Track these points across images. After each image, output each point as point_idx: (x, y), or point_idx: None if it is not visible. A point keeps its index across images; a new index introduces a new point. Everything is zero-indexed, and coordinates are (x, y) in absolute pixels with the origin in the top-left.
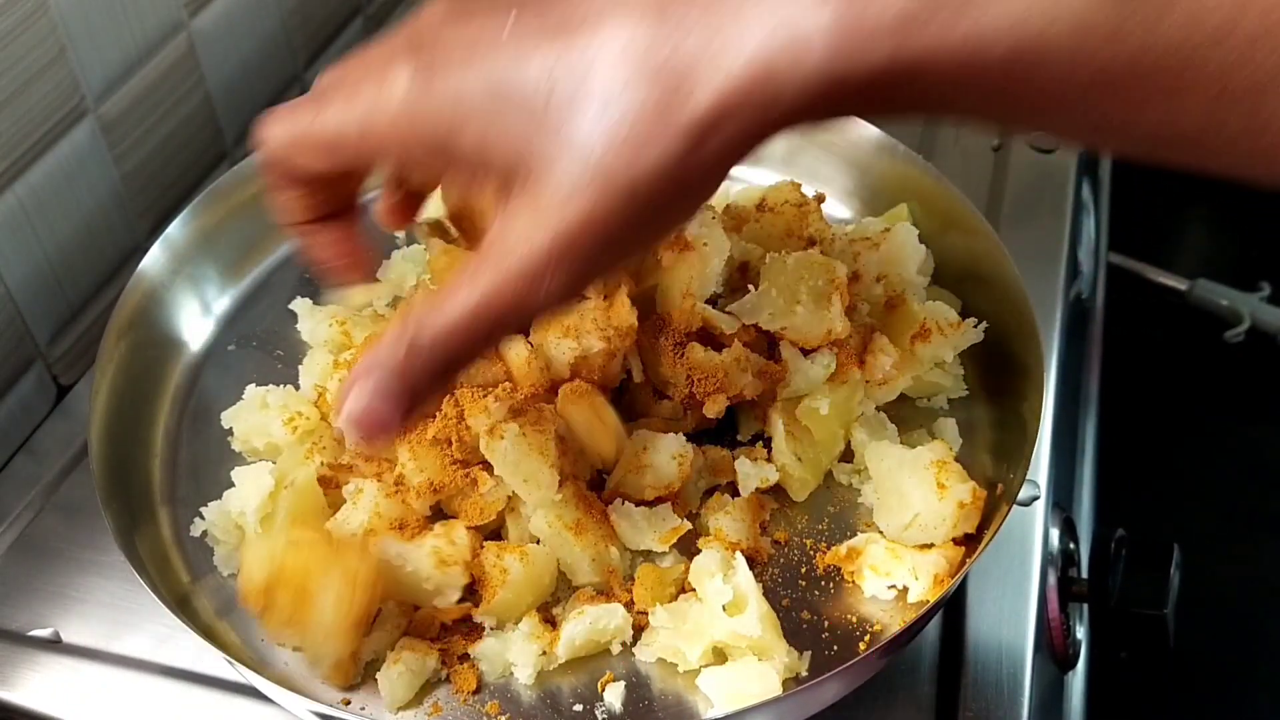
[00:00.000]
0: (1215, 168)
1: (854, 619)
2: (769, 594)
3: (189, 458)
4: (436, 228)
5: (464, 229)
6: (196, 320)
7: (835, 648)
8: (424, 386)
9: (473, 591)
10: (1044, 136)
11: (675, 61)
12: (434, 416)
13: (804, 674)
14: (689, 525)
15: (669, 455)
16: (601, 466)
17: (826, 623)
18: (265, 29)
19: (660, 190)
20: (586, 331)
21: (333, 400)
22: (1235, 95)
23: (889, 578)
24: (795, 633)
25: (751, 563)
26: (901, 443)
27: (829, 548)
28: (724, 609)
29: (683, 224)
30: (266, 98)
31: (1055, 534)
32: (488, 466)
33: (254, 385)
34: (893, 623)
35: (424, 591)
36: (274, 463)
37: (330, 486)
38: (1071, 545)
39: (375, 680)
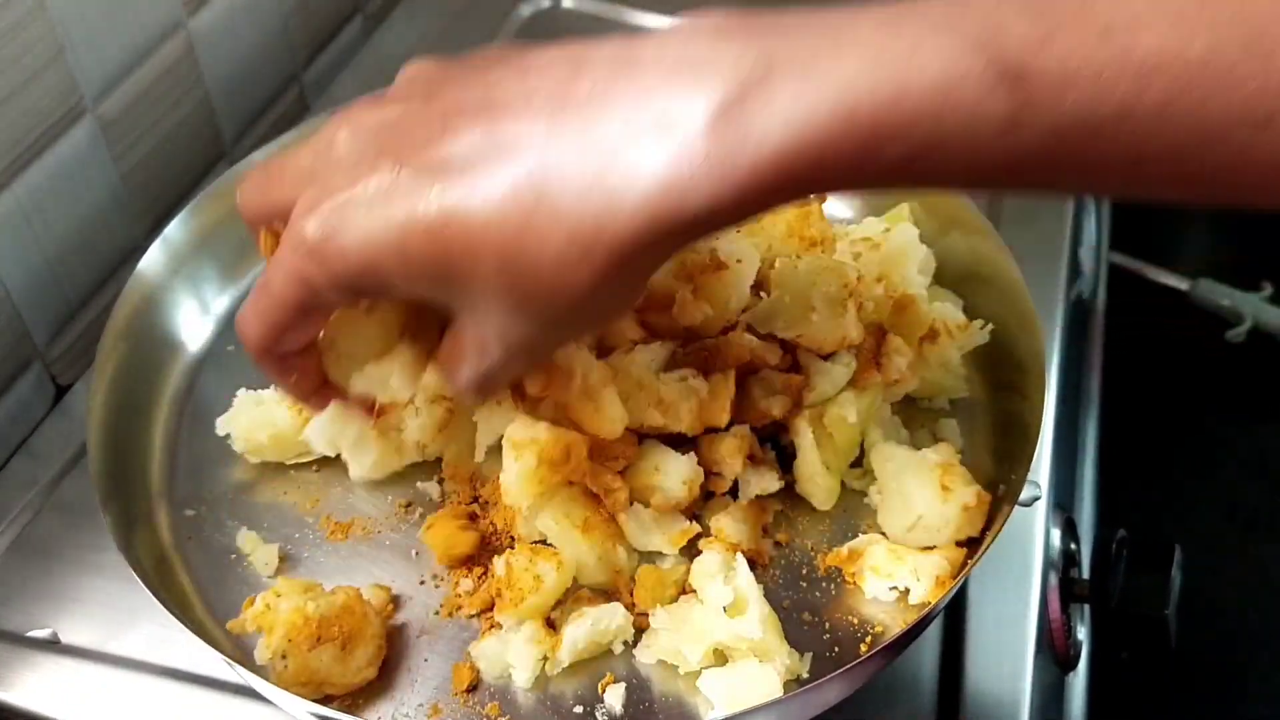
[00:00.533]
0: (1157, 203)
1: (855, 620)
2: (770, 595)
3: (188, 458)
4: None
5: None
6: (195, 320)
7: (836, 649)
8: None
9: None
10: None
11: (558, 228)
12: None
13: (805, 676)
14: (698, 528)
15: (679, 479)
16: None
17: (827, 624)
18: (265, 29)
19: (577, 319)
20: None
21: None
22: (1153, 159)
23: (890, 579)
24: (796, 634)
25: (752, 564)
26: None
27: (830, 549)
28: (725, 610)
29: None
30: (266, 97)
31: (1056, 535)
32: None
33: (244, 390)
34: (894, 624)
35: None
36: None
37: None
38: (1073, 546)
39: (374, 683)
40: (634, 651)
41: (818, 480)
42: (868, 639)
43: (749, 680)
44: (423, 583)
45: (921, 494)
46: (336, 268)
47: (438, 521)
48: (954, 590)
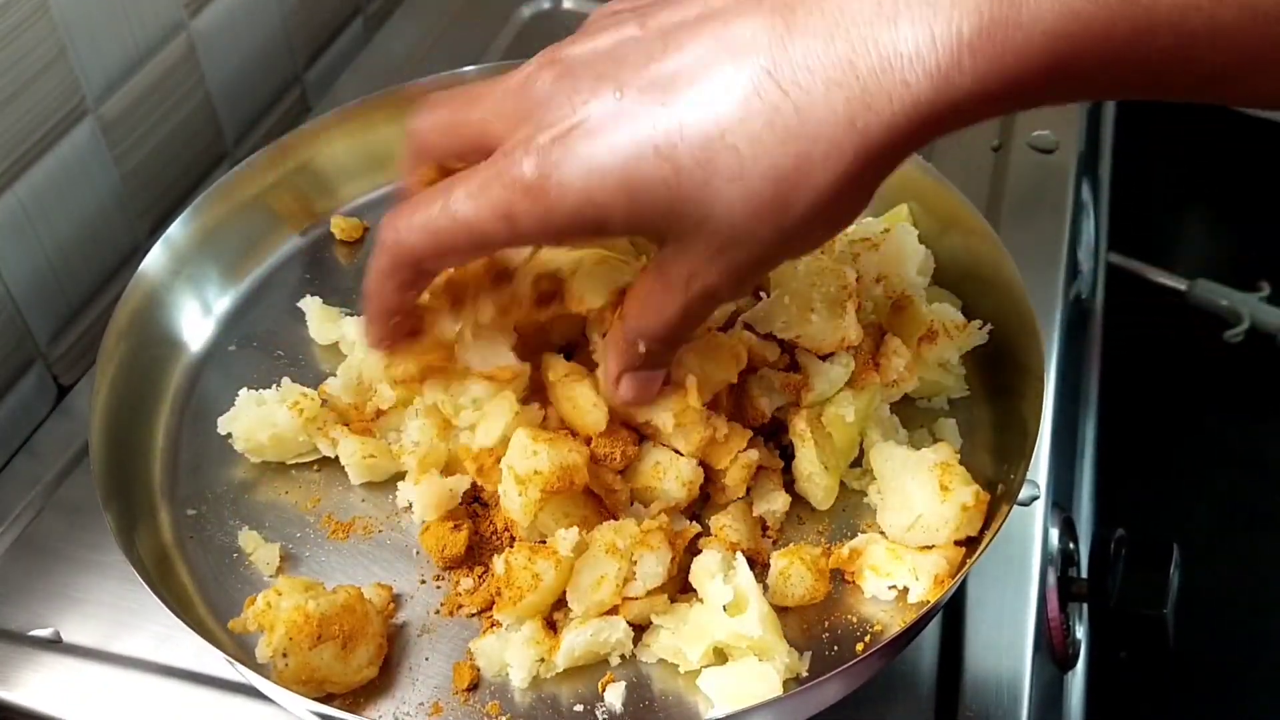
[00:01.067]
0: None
1: (854, 619)
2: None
3: (189, 458)
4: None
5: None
6: (197, 320)
7: (835, 648)
8: (661, 363)
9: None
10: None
11: (814, 123)
12: None
13: (804, 674)
14: (699, 528)
15: (680, 482)
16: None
17: (827, 623)
18: (265, 29)
19: (807, 228)
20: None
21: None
22: None
23: (889, 578)
24: (796, 633)
25: (752, 563)
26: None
27: (831, 548)
28: (725, 609)
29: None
30: (267, 98)
31: (1055, 534)
32: None
33: (246, 389)
34: (893, 623)
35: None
36: None
37: None
38: (1071, 545)
39: (375, 681)
40: (634, 650)
41: (816, 480)
42: (867, 638)
43: (749, 679)
44: (424, 582)
45: (920, 493)
46: (554, 206)
47: (432, 523)
48: (953, 589)
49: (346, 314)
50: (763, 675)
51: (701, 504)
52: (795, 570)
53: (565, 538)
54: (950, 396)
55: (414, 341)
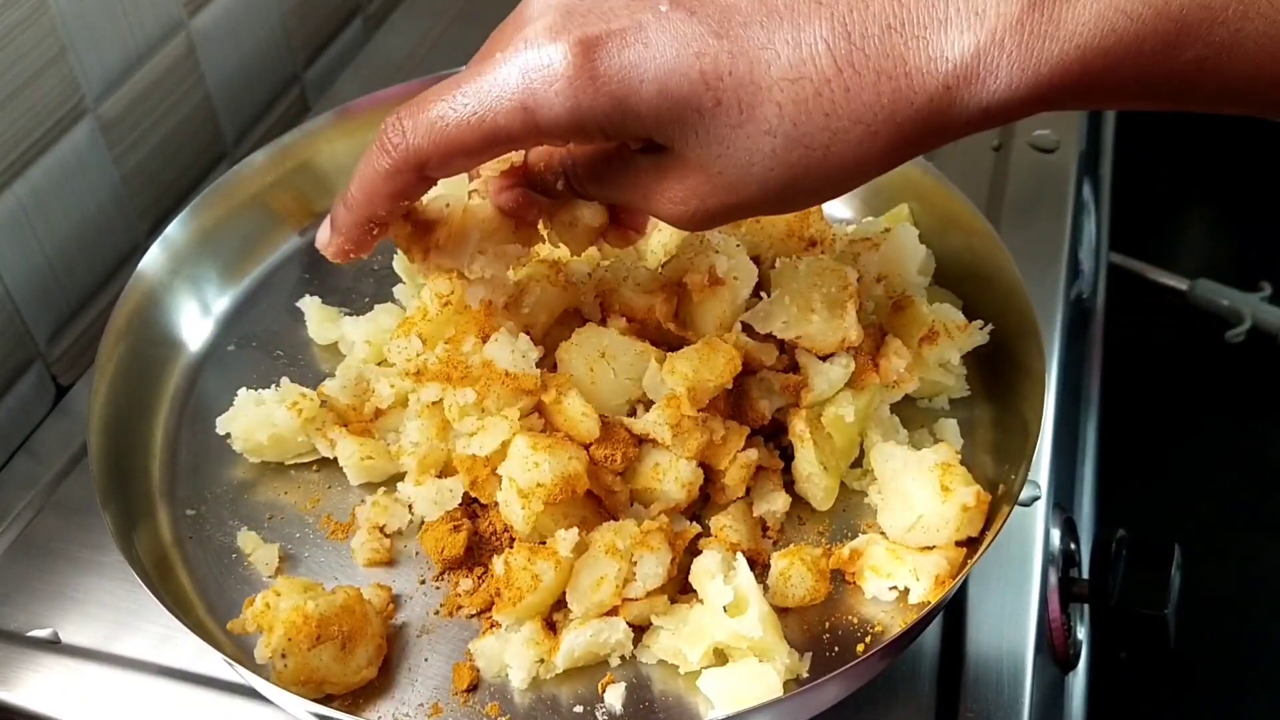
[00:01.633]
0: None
1: (855, 620)
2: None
3: (188, 458)
4: None
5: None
6: (196, 320)
7: (836, 649)
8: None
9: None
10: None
11: (849, 106)
12: None
13: (805, 675)
14: (699, 528)
15: (679, 483)
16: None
17: (827, 624)
18: (265, 29)
19: (809, 196)
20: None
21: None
22: None
23: (890, 579)
24: (796, 633)
25: (752, 564)
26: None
27: (831, 549)
28: (725, 610)
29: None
30: (267, 98)
31: (1056, 534)
32: None
33: (245, 389)
34: (894, 624)
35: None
36: None
37: None
38: (1072, 545)
39: (374, 682)
40: (634, 651)
41: (816, 480)
42: (867, 638)
43: (749, 680)
44: (423, 583)
45: (921, 494)
46: (581, 100)
47: (431, 524)
48: (954, 590)
49: (346, 314)
50: (763, 676)
51: (701, 504)
52: (796, 571)
53: (565, 538)
54: (951, 396)
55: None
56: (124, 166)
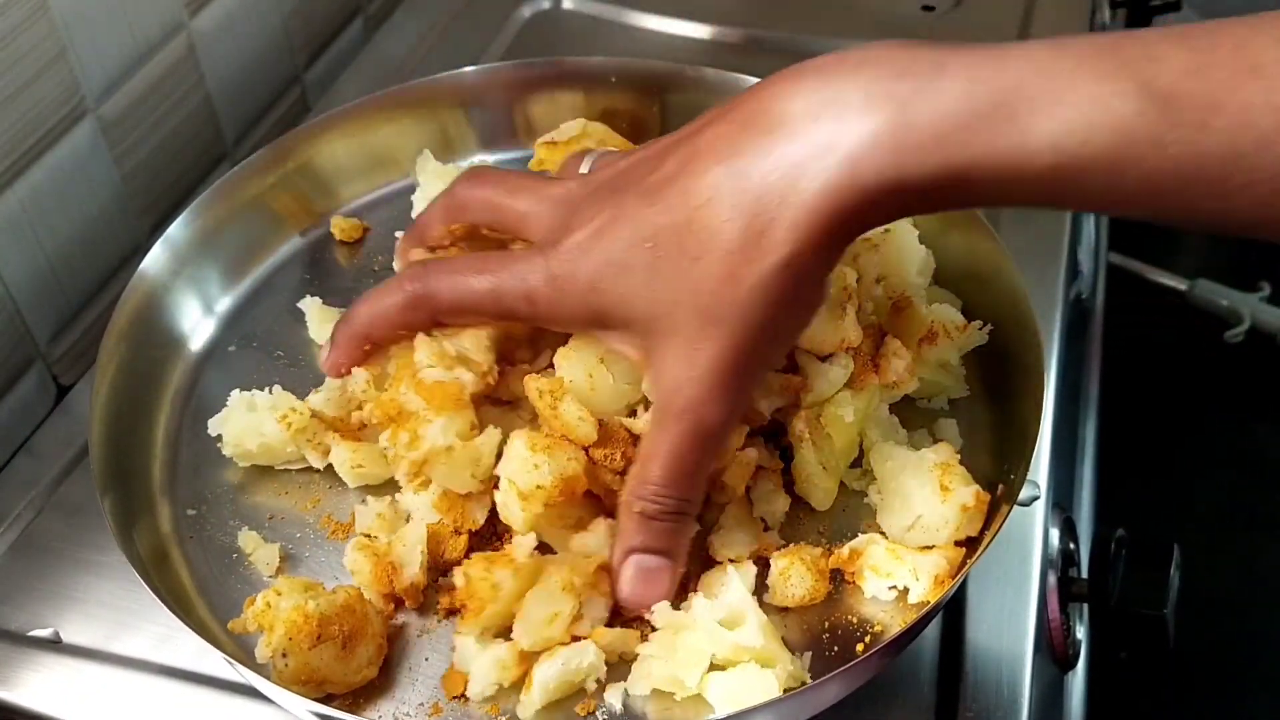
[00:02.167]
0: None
1: (854, 620)
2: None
3: (189, 458)
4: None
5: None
6: (197, 320)
7: (835, 649)
8: (690, 506)
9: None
10: None
11: (758, 203)
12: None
13: (806, 680)
14: (698, 526)
15: None
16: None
17: (826, 624)
18: (265, 29)
19: (770, 309)
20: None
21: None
22: None
23: (889, 579)
24: (795, 633)
25: (756, 561)
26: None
27: (831, 549)
28: (720, 624)
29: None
30: (267, 98)
31: (1055, 534)
32: None
33: (238, 390)
34: (893, 624)
35: None
36: None
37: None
38: (1071, 545)
39: (375, 682)
40: (625, 686)
41: (815, 481)
42: (867, 638)
43: (749, 681)
44: None
45: (921, 494)
46: (567, 293)
47: (431, 528)
48: (953, 590)
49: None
50: (762, 677)
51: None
52: (795, 570)
53: (522, 544)
54: (950, 397)
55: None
56: (125, 167)
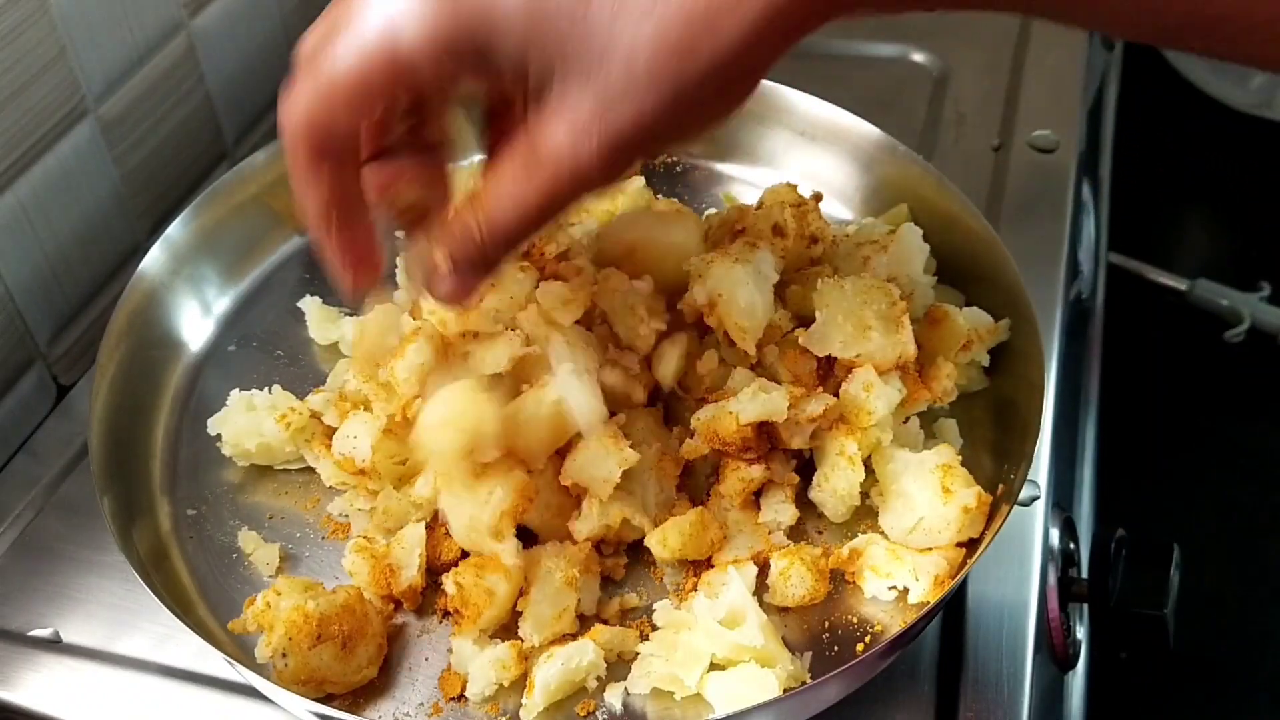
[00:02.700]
0: (1241, 56)
1: (854, 620)
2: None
3: (189, 458)
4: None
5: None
6: (197, 320)
7: (836, 648)
8: (493, 265)
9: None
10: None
11: None
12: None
13: (806, 679)
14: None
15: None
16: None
17: (826, 624)
18: (265, 29)
19: (705, 89)
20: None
21: (417, 278)
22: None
23: (890, 579)
24: (796, 633)
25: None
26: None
27: (831, 548)
28: (720, 624)
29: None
30: (266, 97)
31: (1055, 534)
32: None
33: (238, 390)
34: (893, 624)
35: None
36: None
37: None
38: (1071, 545)
39: (375, 681)
40: (625, 685)
41: (845, 500)
42: (867, 638)
43: (749, 681)
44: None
45: (922, 496)
46: (442, 18)
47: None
48: (953, 590)
49: (346, 314)
50: (762, 678)
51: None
52: (796, 570)
53: (506, 549)
54: (971, 390)
55: (374, 273)
56: (124, 167)
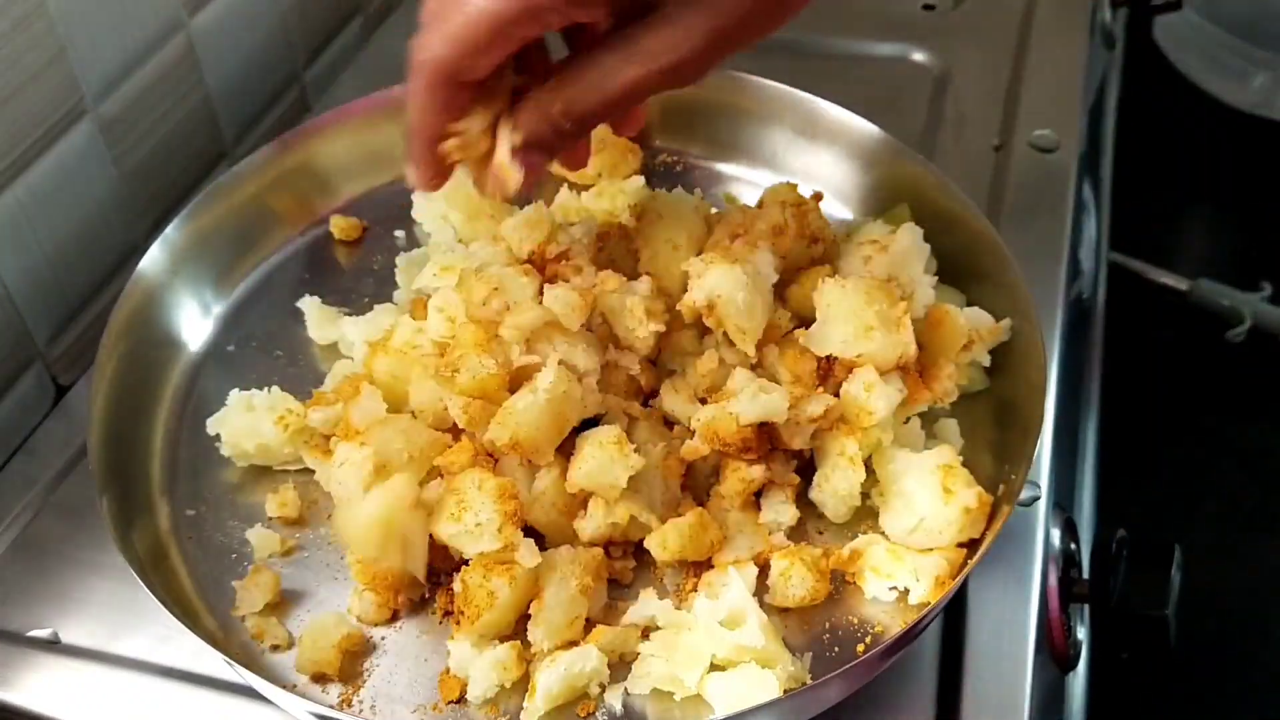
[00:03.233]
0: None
1: (855, 620)
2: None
3: (188, 458)
4: None
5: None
6: (196, 320)
7: (836, 649)
8: (558, 148)
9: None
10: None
11: None
12: None
13: (807, 680)
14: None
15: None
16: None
17: (827, 624)
18: (265, 28)
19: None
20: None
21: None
22: None
23: (890, 579)
24: (796, 634)
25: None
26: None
27: (831, 549)
28: (721, 624)
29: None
30: (265, 98)
31: (1056, 534)
32: None
33: (237, 390)
34: (893, 624)
35: None
36: None
37: None
38: (1072, 546)
39: (375, 681)
40: (625, 685)
41: (846, 500)
42: (868, 639)
43: (749, 682)
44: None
45: (923, 496)
46: None
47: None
48: (953, 590)
49: (346, 314)
50: (762, 678)
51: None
52: (796, 571)
53: (525, 552)
54: (973, 390)
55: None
56: (123, 166)
